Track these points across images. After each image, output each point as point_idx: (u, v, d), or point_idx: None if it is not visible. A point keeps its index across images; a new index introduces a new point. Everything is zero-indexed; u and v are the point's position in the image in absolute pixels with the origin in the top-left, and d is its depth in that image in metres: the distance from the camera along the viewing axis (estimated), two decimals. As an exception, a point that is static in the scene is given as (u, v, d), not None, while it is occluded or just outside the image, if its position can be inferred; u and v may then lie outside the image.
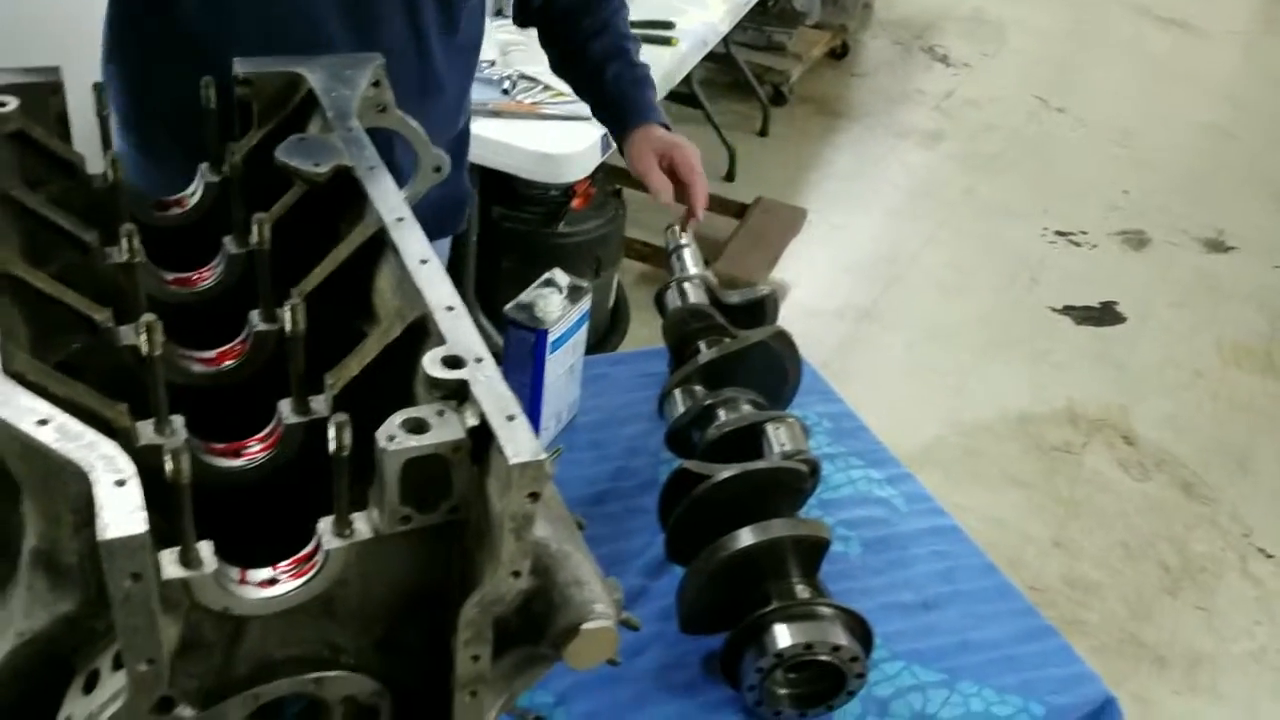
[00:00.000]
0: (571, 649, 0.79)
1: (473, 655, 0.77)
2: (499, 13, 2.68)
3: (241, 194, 1.01)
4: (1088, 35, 5.63)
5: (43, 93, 0.98)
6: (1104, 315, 3.62)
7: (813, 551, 1.15)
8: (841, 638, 1.09)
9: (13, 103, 0.94)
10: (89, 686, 0.70)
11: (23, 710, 0.72)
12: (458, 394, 0.73)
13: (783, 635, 1.08)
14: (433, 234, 0.94)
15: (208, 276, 1.01)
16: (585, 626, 0.78)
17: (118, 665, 0.67)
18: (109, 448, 0.64)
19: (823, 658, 1.08)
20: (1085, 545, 2.77)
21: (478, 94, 2.34)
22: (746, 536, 1.12)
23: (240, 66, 1.12)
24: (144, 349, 0.77)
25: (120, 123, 1.41)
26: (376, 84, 1.15)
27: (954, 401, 3.17)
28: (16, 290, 0.82)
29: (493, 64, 2.44)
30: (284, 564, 0.74)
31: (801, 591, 1.13)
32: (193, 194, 1.10)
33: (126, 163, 1.01)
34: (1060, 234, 4.01)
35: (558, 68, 1.69)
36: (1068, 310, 3.62)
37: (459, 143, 1.63)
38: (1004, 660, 1.22)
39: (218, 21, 1.31)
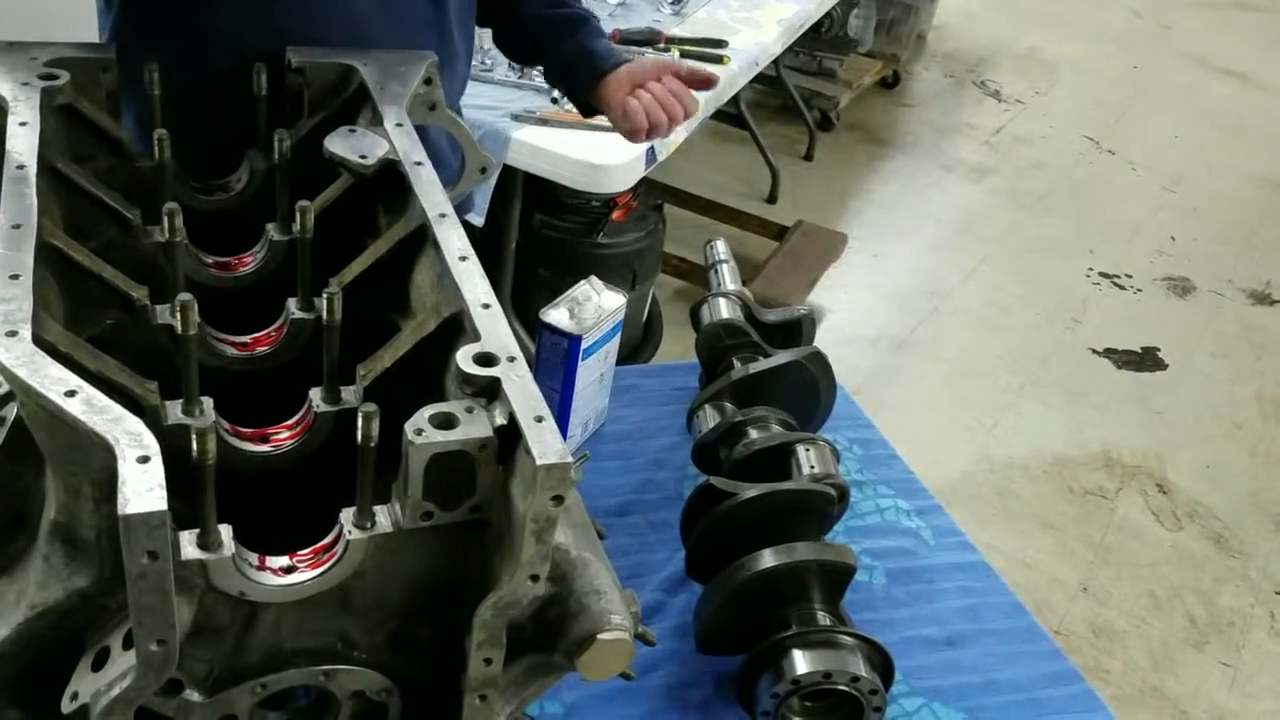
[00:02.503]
0: (585, 659, 0.78)
1: (485, 658, 0.76)
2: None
3: (287, 182, 1.01)
4: (1144, 81, 5.58)
5: (94, 69, 0.99)
6: (1145, 360, 3.57)
7: (837, 578, 1.13)
8: (861, 668, 1.06)
9: (64, 76, 0.94)
10: (98, 664, 0.69)
11: (31, 682, 0.72)
12: (488, 392, 0.73)
13: (801, 662, 1.06)
14: None
15: (248, 262, 1.02)
16: (601, 637, 0.77)
17: (128, 644, 0.67)
18: (135, 424, 0.64)
19: (841, 687, 1.06)
20: (1113, 592, 2.72)
21: (528, 101, 2.36)
22: (769, 558, 1.10)
23: (294, 56, 1.13)
24: (178, 329, 0.76)
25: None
26: (429, 81, 1.15)
27: (987, 438, 3.13)
28: (56, 262, 0.82)
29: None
30: (303, 552, 0.74)
31: (823, 618, 1.11)
32: (238, 179, 1.11)
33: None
34: (1105, 276, 3.96)
35: (506, 41, 1.59)
36: (1109, 353, 3.57)
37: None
38: (1027, 703, 1.19)
39: None
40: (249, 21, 1.20)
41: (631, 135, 1.47)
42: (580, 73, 1.49)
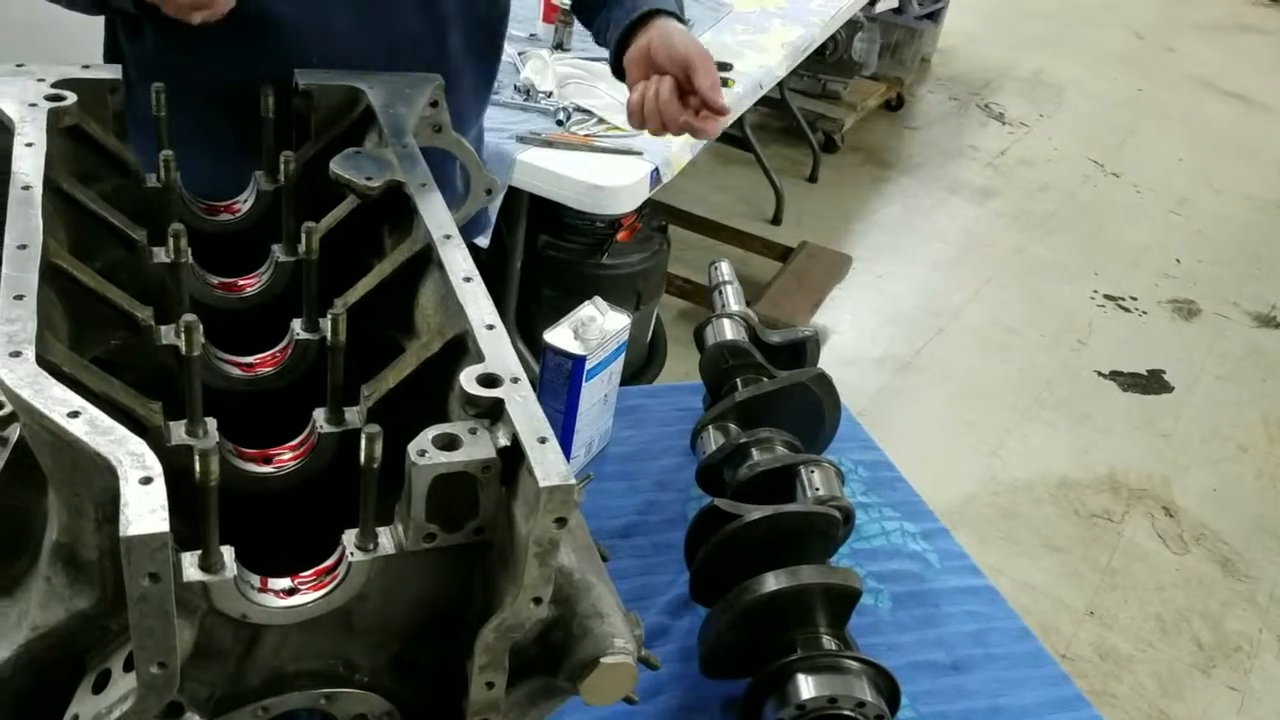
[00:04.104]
0: (589, 683, 0.77)
1: (487, 682, 0.76)
2: (559, 46, 2.71)
3: (293, 203, 1.02)
4: (1148, 103, 5.59)
5: (101, 90, 0.99)
6: (1150, 383, 3.56)
7: (842, 602, 1.12)
8: (867, 693, 1.05)
9: (71, 98, 0.95)
10: (99, 686, 0.69)
11: (31, 703, 0.72)
12: (492, 413, 0.73)
13: (806, 686, 1.05)
14: None
15: (253, 283, 1.02)
16: (604, 660, 0.77)
17: (129, 667, 0.67)
18: (138, 445, 0.64)
19: (846, 713, 1.05)
20: (1119, 616, 2.70)
21: (533, 124, 2.37)
22: (774, 581, 1.09)
23: (301, 79, 1.13)
24: (183, 349, 0.76)
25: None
26: (434, 104, 1.16)
27: (992, 460, 3.13)
28: (61, 283, 0.82)
29: (549, 95, 2.46)
30: (305, 574, 0.73)
31: (828, 642, 1.10)
32: (245, 200, 1.11)
33: None
34: (1110, 298, 3.96)
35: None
36: (1114, 375, 3.56)
37: (475, 144, 1.56)
38: (1033, 728, 1.18)
39: None
40: (236, 51, 1.21)
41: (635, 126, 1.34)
42: (608, 32, 1.37)
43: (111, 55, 1.34)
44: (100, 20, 1.34)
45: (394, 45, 1.29)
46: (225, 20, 1.14)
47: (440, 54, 1.36)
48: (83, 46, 1.20)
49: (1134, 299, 3.98)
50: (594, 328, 1.33)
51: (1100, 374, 3.56)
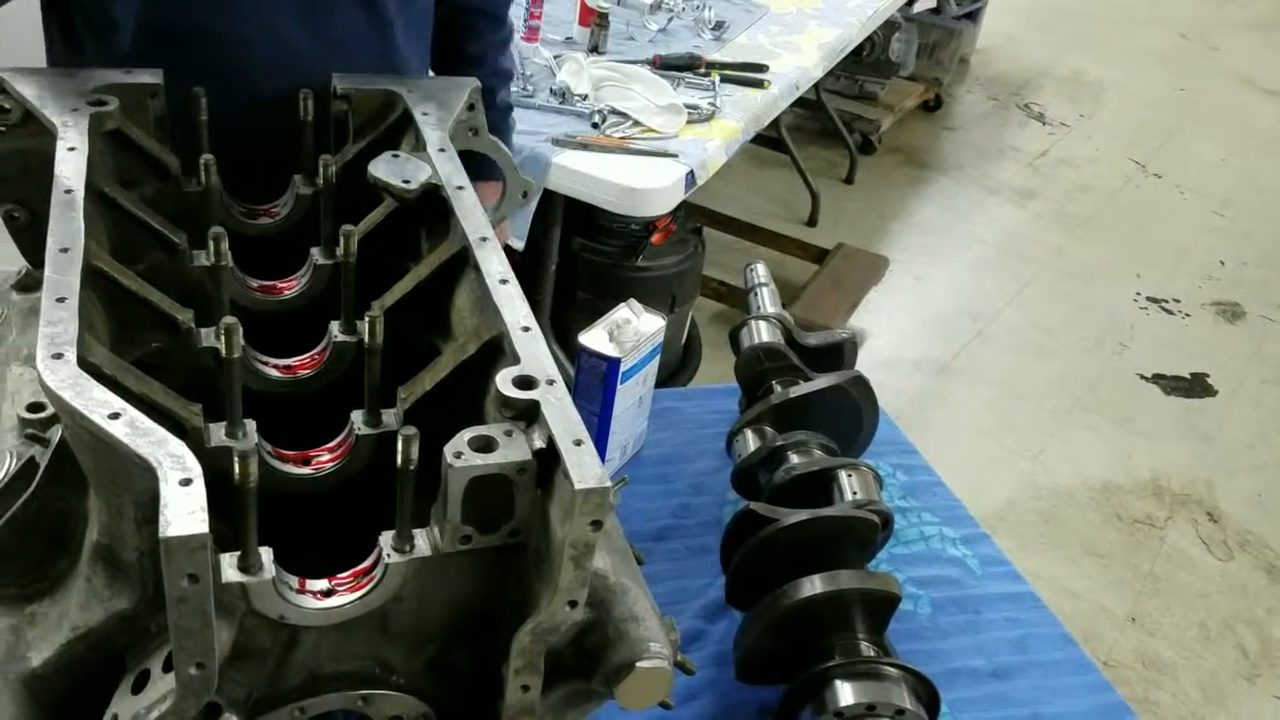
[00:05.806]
0: (624, 687, 0.77)
1: (523, 685, 0.75)
2: (594, 49, 2.71)
3: (332, 207, 1.02)
4: (1189, 103, 5.51)
5: (143, 94, 1.00)
6: (1194, 386, 3.51)
7: (881, 607, 1.11)
8: (906, 701, 1.04)
9: (113, 102, 0.96)
10: (138, 686, 0.69)
11: (70, 703, 0.72)
12: (528, 415, 0.72)
13: (844, 693, 1.04)
14: None
15: (293, 285, 1.02)
16: (640, 664, 0.76)
17: (168, 667, 0.67)
18: (178, 446, 0.64)
19: None
20: (1162, 623, 2.66)
21: (569, 126, 2.37)
22: (811, 586, 1.08)
23: (340, 83, 1.14)
24: (222, 352, 0.77)
25: None
26: (471, 107, 1.16)
27: (1032, 465, 3.09)
28: (102, 285, 0.83)
29: (584, 98, 2.46)
30: (342, 576, 0.74)
31: (866, 648, 1.09)
32: (284, 204, 1.12)
33: None
34: (1152, 300, 3.91)
35: None
36: (1157, 379, 3.51)
37: None
38: (1074, 737, 1.17)
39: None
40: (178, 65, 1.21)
41: None
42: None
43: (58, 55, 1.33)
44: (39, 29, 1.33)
45: (340, 47, 1.27)
46: (163, 35, 1.14)
47: (387, 50, 1.35)
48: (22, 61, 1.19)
49: (1177, 301, 3.93)
50: (629, 330, 1.32)
51: (1143, 377, 3.51)
